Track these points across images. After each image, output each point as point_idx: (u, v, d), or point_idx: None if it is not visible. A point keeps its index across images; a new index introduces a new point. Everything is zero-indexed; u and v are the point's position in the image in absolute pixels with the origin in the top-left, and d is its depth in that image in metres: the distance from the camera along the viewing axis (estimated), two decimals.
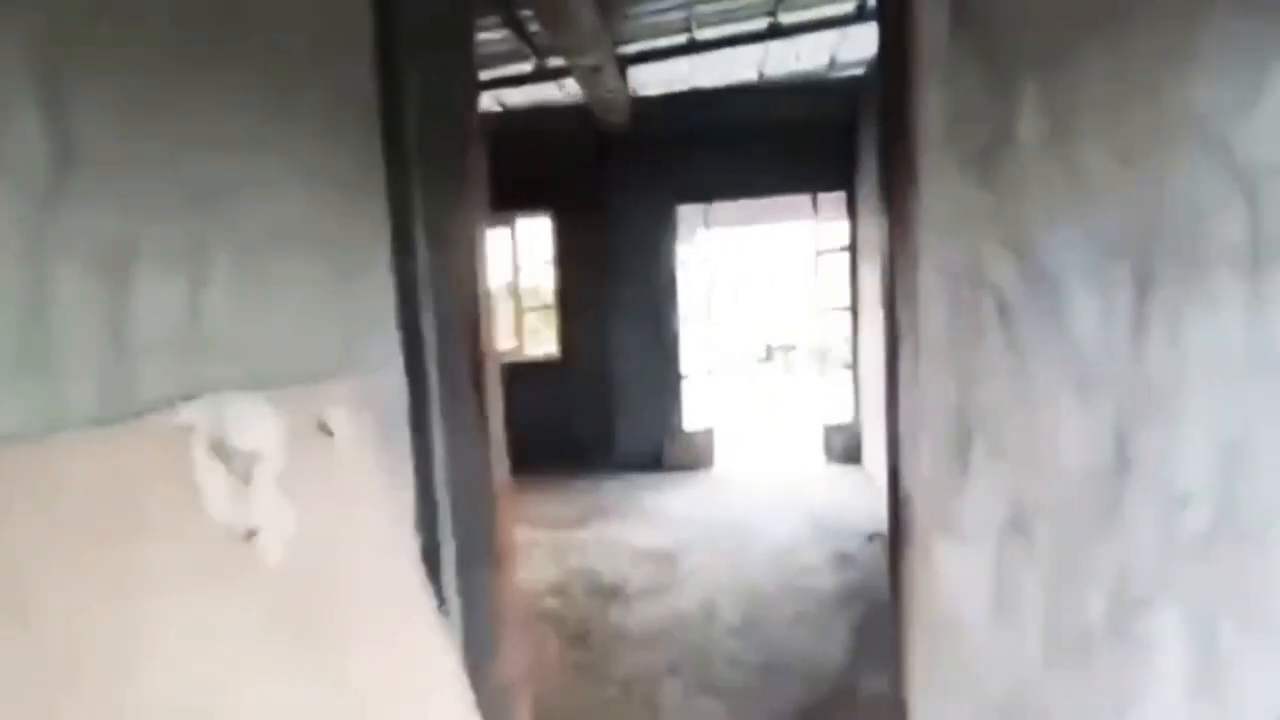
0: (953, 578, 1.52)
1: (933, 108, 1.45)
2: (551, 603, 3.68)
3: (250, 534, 0.83)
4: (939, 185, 1.46)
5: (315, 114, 1.20)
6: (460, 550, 1.46)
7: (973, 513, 1.50)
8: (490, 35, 5.47)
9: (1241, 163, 1.36)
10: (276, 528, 0.86)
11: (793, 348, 15.66)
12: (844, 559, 4.09)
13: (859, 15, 5.30)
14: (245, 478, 0.85)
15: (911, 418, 1.55)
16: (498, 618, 1.69)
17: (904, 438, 1.56)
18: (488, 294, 1.64)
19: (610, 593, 3.75)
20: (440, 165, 1.45)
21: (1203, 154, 1.38)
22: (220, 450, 0.83)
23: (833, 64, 6.52)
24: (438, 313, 1.50)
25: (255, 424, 0.88)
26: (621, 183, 6.36)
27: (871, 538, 4.43)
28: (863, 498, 5.26)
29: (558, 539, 4.63)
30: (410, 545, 1.28)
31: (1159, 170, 1.41)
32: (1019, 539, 1.50)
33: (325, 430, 1.07)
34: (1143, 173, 1.42)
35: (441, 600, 1.41)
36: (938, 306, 1.48)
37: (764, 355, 16.64)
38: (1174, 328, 1.43)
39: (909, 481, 1.55)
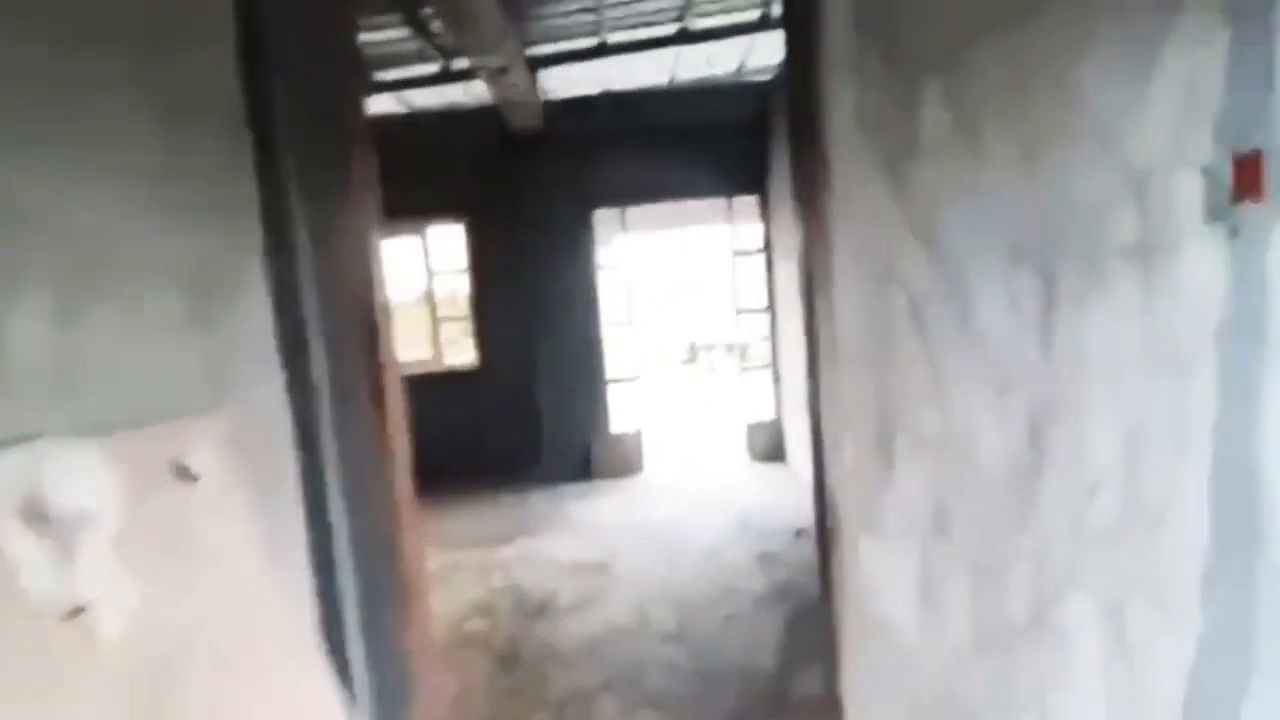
0: (880, 577, 1.51)
1: (841, 108, 1.43)
2: (477, 625, 3.51)
3: (76, 612, 0.69)
4: (851, 184, 1.44)
5: (158, 114, 1.04)
6: (363, 588, 1.32)
7: (897, 512, 1.50)
8: (391, 35, 5.23)
9: (1131, 161, 1.41)
10: (113, 600, 0.72)
11: (714, 347, 15.89)
12: (772, 558, 4.12)
13: (763, 23, 5.41)
14: (69, 543, 0.70)
15: (834, 418, 1.53)
16: (411, 658, 1.55)
17: (827, 439, 1.54)
18: (386, 303, 1.50)
19: (539, 609, 3.62)
20: (322, 169, 1.31)
21: (1097, 152, 1.42)
22: (36, 512, 0.68)
23: (741, 70, 6.63)
24: (327, 325, 1.35)
25: (82, 477, 0.73)
26: (536, 187, 6.22)
27: (798, 534, 4.49)
28: (787, 495, 5.34)
29: (481, 558, 4.45)
30: (298, 593, 1.13)
31: (1058, 168, 1.44)
32: (942, 536, 1.51)
33: (186, 474, 0.92)
34: (1043, 171, 1.45)
35: (342, 650, 1.27)
36: (854, 304, 1.47)
37: (687, 356, 16.81)
38: (1077, 324, 1.46)
39: (834, 483, 1.53)
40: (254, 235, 1.20)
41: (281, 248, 1.23)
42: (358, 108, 1.43)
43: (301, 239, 1.28)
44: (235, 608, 0.92)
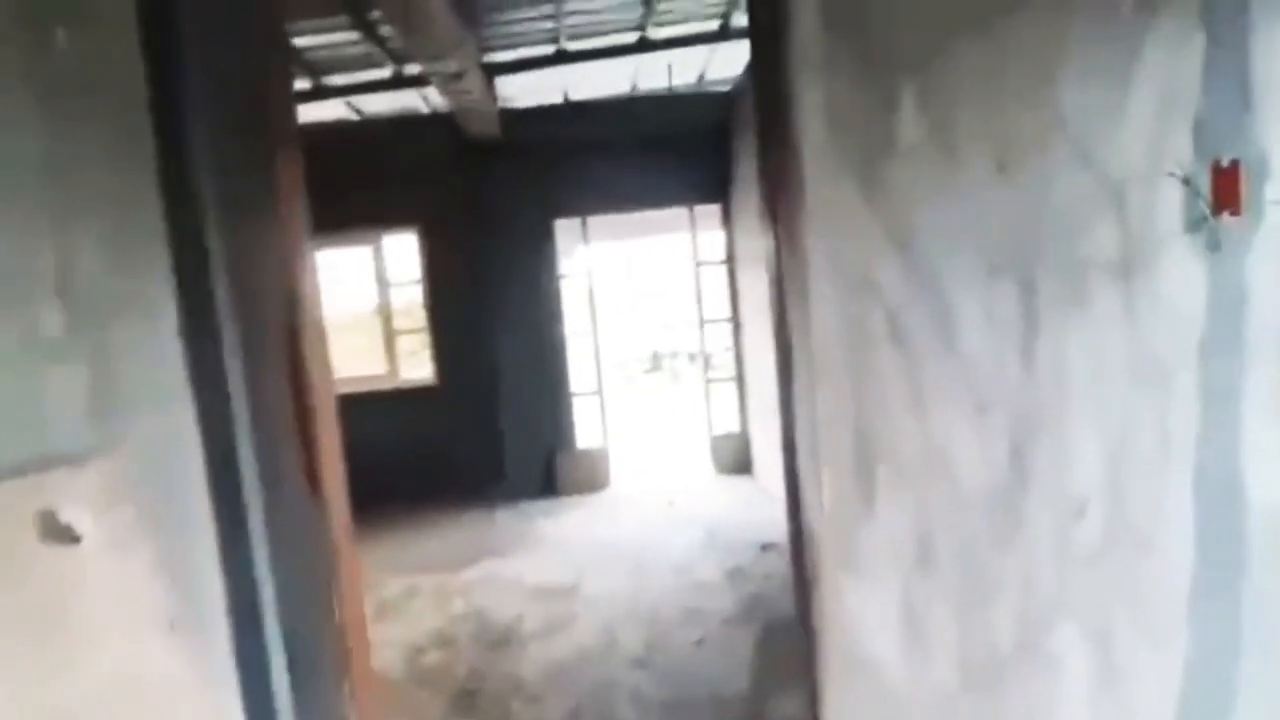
0: (863, 614, 1.42)
1: (812, 109, 1.35)
2: (435, 657, 3.33)
3: None
4: (823, 188, 1.36)
5: (37, 96, 0.89)
6: (294, 654, 1.17)
7: (879, 545, 1.41)
8: (339, 37, 5.04)
9: (1109, 169, 1.36)
10: None
11: (677, 356, 15.85)
12: (740, 573, 4.03)
13: (723, 33, 5.39)
14: None
15: (810, 444, 1.43)
16: None
17: (803, 465, 1.45)
18: (318, 321, 1.36)
19: (502, 638, 3.46)
20: (241, 172, 1.17)
21: (1074, 161, 1.37)
22: None
23: (702, 79, 6.61)
24: (246, 348, 1.21)
25: None
26: (494, 197, 6.07)
27: (764, 548, 4.42)
28: (754, 508, 5.27)
29: (442, 582, 4.25)
30: (214, 667, 0.98)
31: (1035, 177, 1.38)
32: (926, 567, 1.43)
33: (64, 534, 0.77)
34: (1020, 179, 1.39)
35: None
36: (829, 316, 1.39)
37: (650, 365, 16.74)
38: (1058, 337, 1.40)
39: (812, 517, 1.44)
40: (157, 244, 1.05)
41: (191, 259, 1.08)
42: (286, 107, 1.29)
43: (215, 249, 1.13)
44: (129, 692, 0.78)
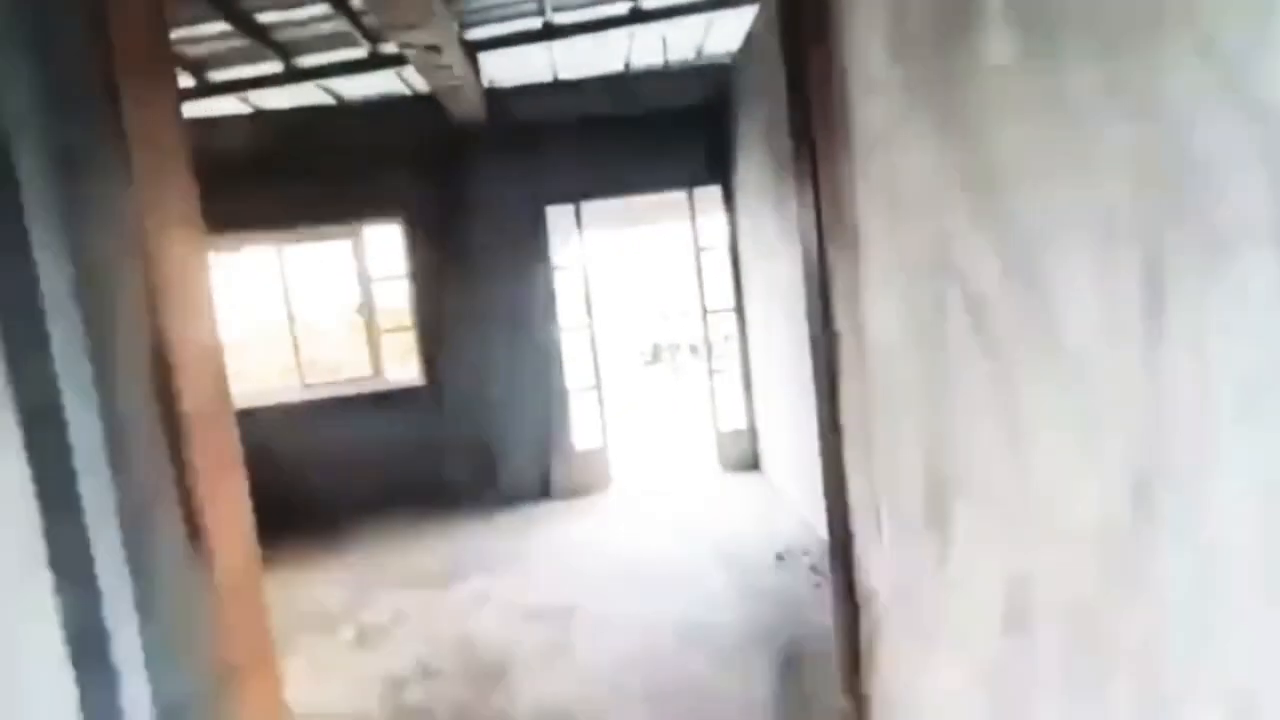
0: (936, 694, 1.07)
1: (867, 22, 0.99)
2: (418, 694, 3.00)
3: None
4: (880, 138, 1.00)
5: None
6: None
7: (958, 604, 1.06)
8: (306, 12, 4.67)
9: (1258, 106, 1.01)
10: None
11: (678, 347, 15.52)
12: (753, 589, 3.69)
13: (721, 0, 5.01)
14: None
15: (864, 474, 1.08)
16: None
17: (855, 505, 1.10)
18: (209, 337, 1.01)
19: (492, 669, 3.12)
20: (85, 170, 0.83)
21: (1221, 91, 1.01)
22: None
23: (700, 53, 6.21)
24: (99, 374, 0.87)
25: None
26: (481, 185, 5.70)
27: (779, 558, 4.09)
28: (764, 509, 4.93)
29: (429, 602, 3.92)
30: None
31: (1168, 112, 1.02)
32: (1020, 632, 1.08)
33: None
34: (1143, 115, 1.03)
35: None
36: (890, 312, 1.03)
37: (651, 357, 16.41)
38: (1196, 331, 1.05)
39: (870, 570, 1.09)
40: None
41: (12, 266, 0.75)
42: (156, 87, 0.94)
43: (50, 263, 0.80)
44: None
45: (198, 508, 0.92)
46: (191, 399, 0.94)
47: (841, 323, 1.08)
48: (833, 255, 1.07)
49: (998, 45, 1.00)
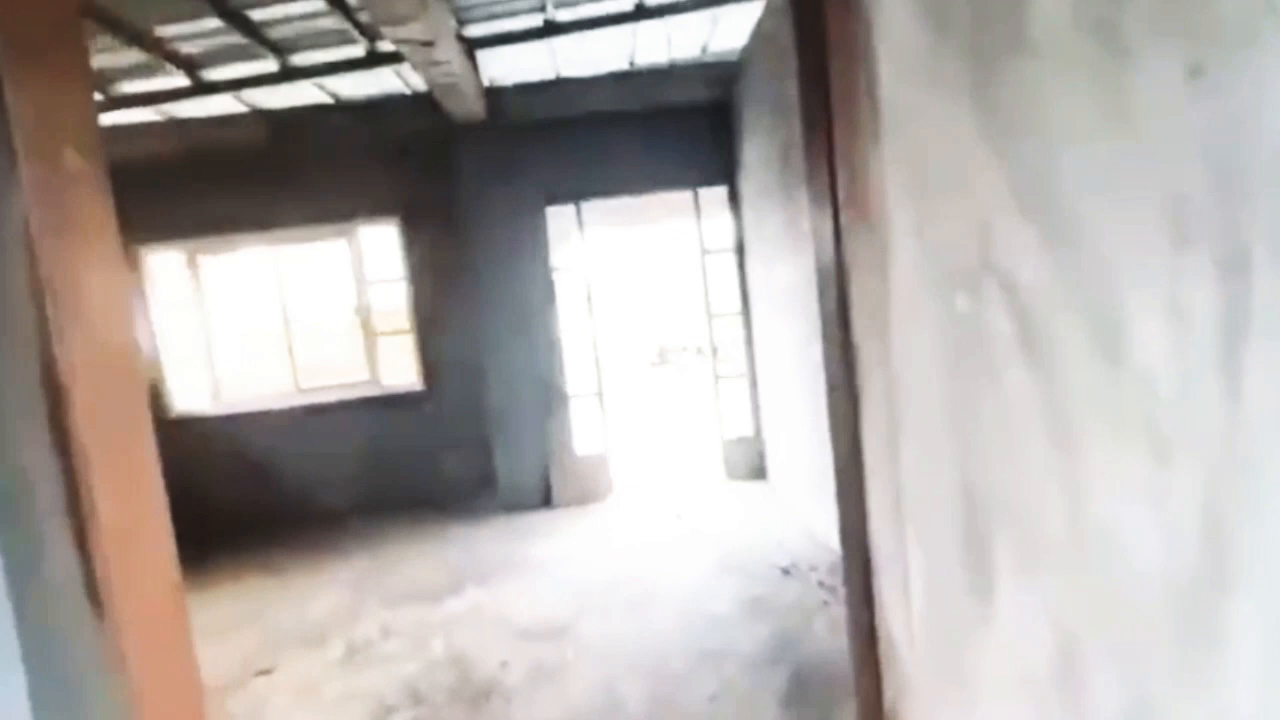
0: None
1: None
2: (406, 719, 2.84)
3: None
4: (912, 121, 0.85)
5: None
6: None
7: (1000, 660, 0.91)
8: (300, 8, 4.55)
9: None
10: None
11: (684, 349, 15.38)
12: (760, 604, 3.53)
13: None
14: None
15: (889, 508, 0.93)
16: None
17: (881, 549, 0.94)
18: (122, 355, 0.87)
19: (484, 691, 2.97)
20: None
21: None
22: None
23: (705, 51, 6.07)
24: None
25: None
26: (481, 185, 5.56)
27: (786, 571, 3.92)
28: (770, 520, 4.77)
29: (421, 617, 3.77)
30: None
31: (1249, 91, 0.87)
32: (1072, 693, 0.92)
33: None
34: (1224, 93, 0.87)
35: None
36: (923, 323, 0.88)
37: (657, 360, 16.28)
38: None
39: (891, 615, 0.93)
40: None
41: None
42: (58, 81, 0.80)
43: None
44: None
45: (95, 564, 0.78)
46: (93, 427, 0.79)
47: (862, 328, 0.93)
48: (852, 252, 0.92)
49: (1049, 5, 0.85)
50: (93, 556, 0.78)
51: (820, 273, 1.05)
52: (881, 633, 0.96)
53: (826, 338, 1.03)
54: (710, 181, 5.71)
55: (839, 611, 3.36)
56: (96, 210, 0.88)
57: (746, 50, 5.29)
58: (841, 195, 0.92)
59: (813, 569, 3.90)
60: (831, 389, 1.04)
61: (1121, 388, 0.90)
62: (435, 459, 5.65)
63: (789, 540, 4.38)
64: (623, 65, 6.13)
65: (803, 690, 2.77)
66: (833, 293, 0.97)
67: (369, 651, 3.46)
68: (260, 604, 4.17)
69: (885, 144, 0.88)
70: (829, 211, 0.95)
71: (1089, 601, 0.92)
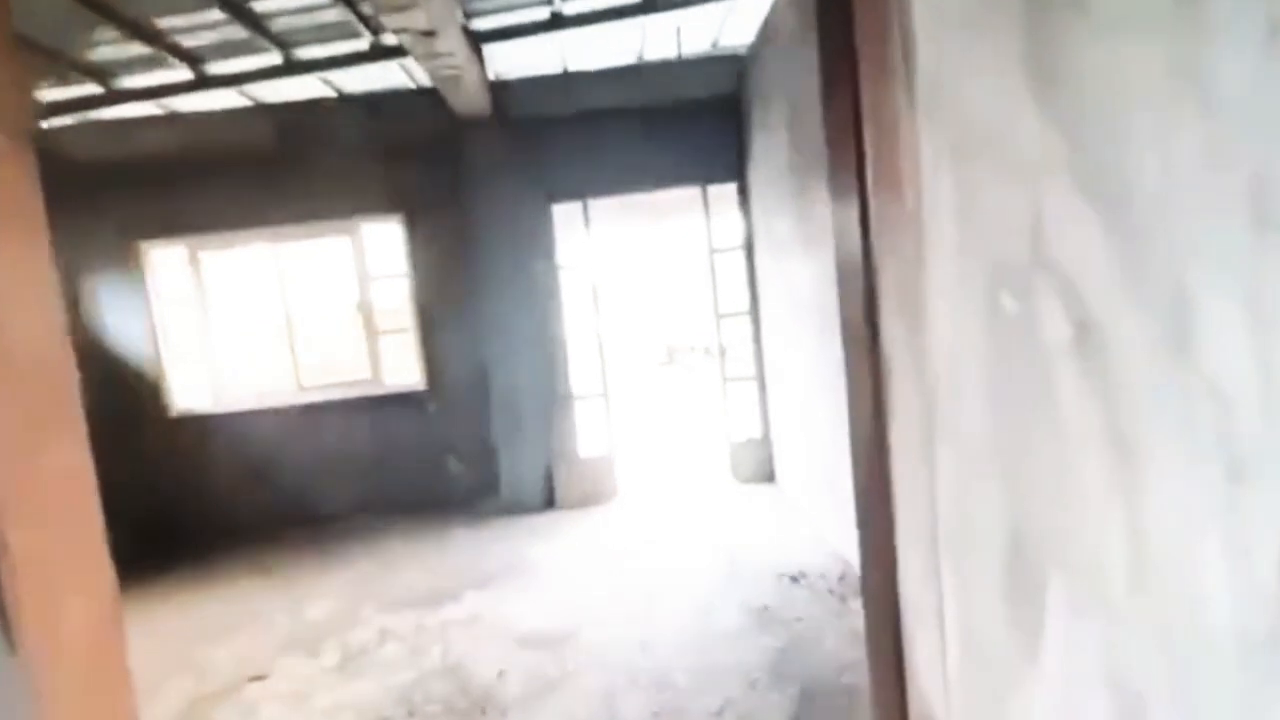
0: None
1: None
2: None
3: None
4: (957, 79, 0.72)
5: None
6: None
7: (1051, 718, 0.78)
8: (303, 0, 4.48)
9: None
10: None
11: (692, 349, 15.26)
12: (768, 615, 3.41)
13: None
14: None
15: (922, 541, 0.81)
16: None
17: (911, 590, 0.82)
18: (47, 353, 0.76)
19: (480, 702, 2.86)
20: None
21: None
22: None
23: (715, 44, 5.95)
24: None
25: None
26: (485, 181, 5.46)
27: (795, 580, 3.80)
28: (778, 525, 4.64)
29: (419, 623, 3.67)
30: None
31: None
32: None
33: None
34: None
35: None
36: (963, 326, 0.75)
37: (664, 359, 16.17)
38: None
39: (921, 664, 0.81)
40: None
41: None
42: None
43: None
44: None
45: (7, 582, 0.67)
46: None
47: (892, 327, 0.80)
48: (881, 238, 0.79)
49: None
50: (1, 588, 0.68)
51: (842, 265, 0.92)
52: (912, 689, 0.84)
53: (848, 340, 0.91)
54: (719, 178, 5.58)
55: (851, 624, 3.23)
56: (19, 192, 0.78)
57: (756, 43, 5.16)
58: (870, 169, 0.80)
59: (822, 577, 3.77)
60: (854, 400, 0.91)
61: (1190, 396, 0.77)
62: (437, 460, 5.56)
63: (798, 546, 4.25)
64: (630, 59, 6.02)
65: (811, 709, 2.64)
66: (857, 287, 0.84)
67: (365, 658, 3.36)
68: (257, 606, 4.09)
69: (921, 102, 0.75)
70: (853, 189, 0.83)
71: (1153, 648, 0.79)
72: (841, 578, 3.72)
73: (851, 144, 0.79)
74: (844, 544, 4.01)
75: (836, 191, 0.89)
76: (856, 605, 3.40)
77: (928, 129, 0.73)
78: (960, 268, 0.74)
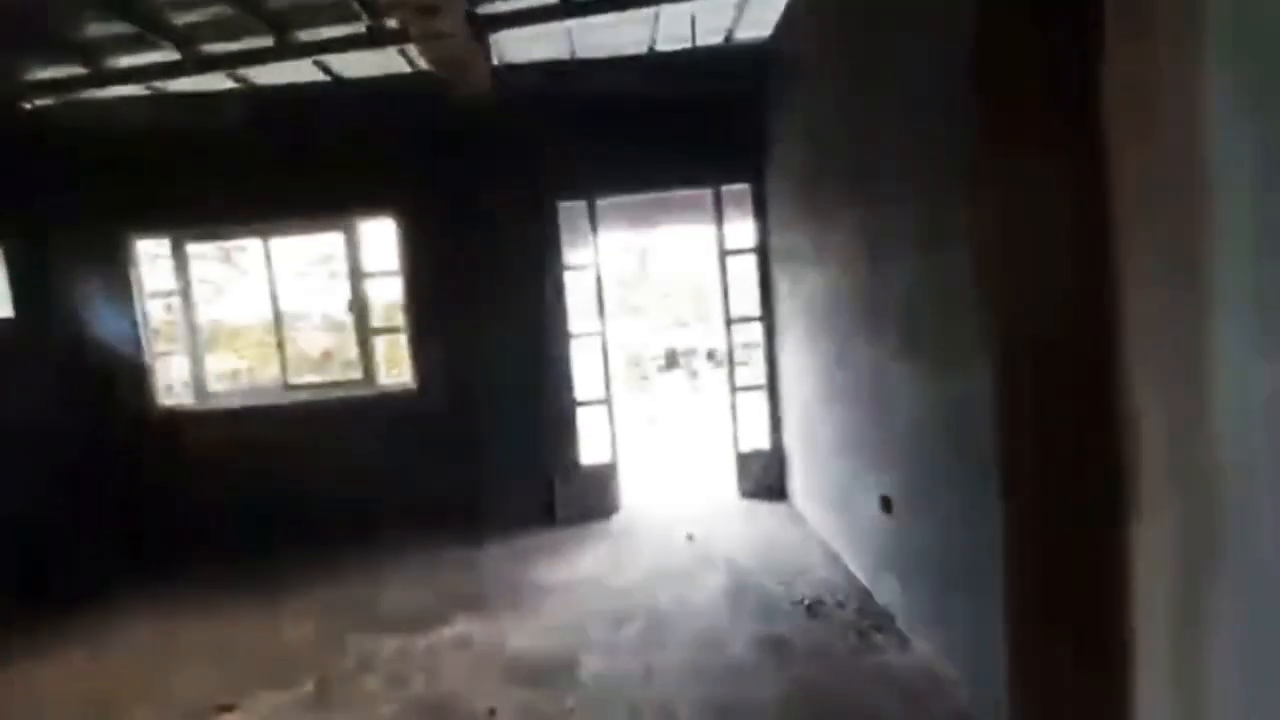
0: None
1: None
2: None
3: None
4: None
5: None
6: None
7: None
8: None
9: None
10: None
11: (695, 353, 14.99)
12: (782, 646, 3.14)
13: None
14: None
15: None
16: None
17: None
18: None
19: None
20: None
21: None
22: None
23: (731, 36, 5.68)
24: None
25: None
26: (486, 175, 5.20)
27: (810, 608, 3.53)
28: (791, 545, 4.38)
29: (404, 648, 3.40)
30: None
31: None
32: None
33: None
34: None
35: None
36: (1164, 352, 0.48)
37: (665, 363, 15.90)
38: None
39: None
40: None
41: None
42: None
43: None
44: None
45: None
46: None
47: (1144, 390, 0.53)
48: (1136, 259, 0.52)
49: None
50: None
51: (979, 269, 0.66)
52: None
53: (1008, 356, 0.64)
54: (735, 177, 5.32)
55: (873, 663, 2.96)
56: None
57: (777, 34, 4.89)
58: (1111, 126, 0.52)
59: (840, 606, 3.51)
60: (1013, 466, 0.65)
61: None
62: (429, 467, 5.28)
63: (813, 569, 3.99)
64: (641, 49, 5.76)
65: None
66: (1040, 294, 0.56)
67: (343, 688, 3.09)
68: (232, 624, 3.82)
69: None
70: (1082, 135, 0.55)
71: None
72: (860, 609, 3.45)
73: (1079, 92, 0.53)
74: (860, 569, 3.75)
75: (1061, 148, 0.62)
76: (877, 641, 3.14)
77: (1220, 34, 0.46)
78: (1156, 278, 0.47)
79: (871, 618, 3.35)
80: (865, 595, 3.57)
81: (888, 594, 3.38)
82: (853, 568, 3.87)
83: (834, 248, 3.80)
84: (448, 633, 3.53)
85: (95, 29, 4.67)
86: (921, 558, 2.97)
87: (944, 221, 2.50)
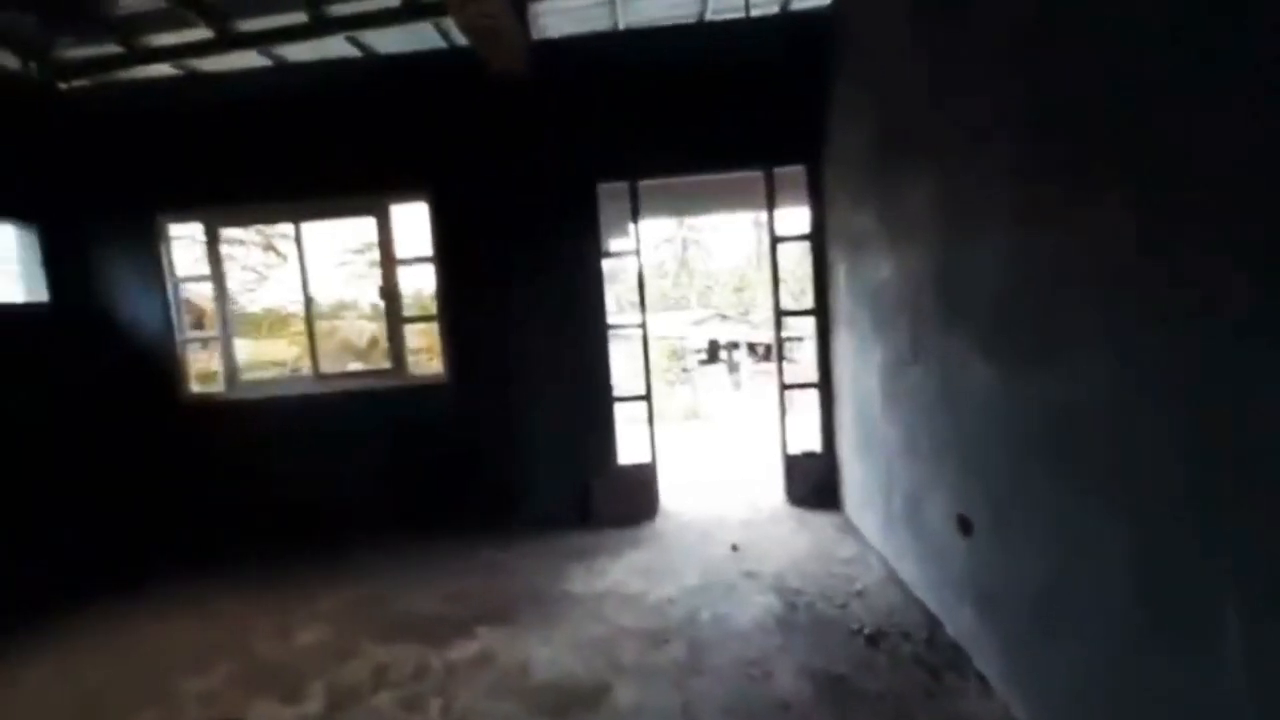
0: None
1: None
2: None
3: None
4: None
5: None
6: None
7: None
8: None
9: None
10: None
11: (737, 345, 14.53)
12: (838, 690, 2.75)
13: None
14: None
15: None
16: None
17: None
18: None
19: None
20: None
21: None
22: None
23: (785, 6, 5.25)
24: None
25: None
26: (522, 157, 4.89)
27: (871, 637, 3.12)
28: (847, 562, 3.96)
29: (420, 661, 3.14)
30: None
31: None
32: None
33: None
34: None
35: None
36: None
37: (707, 356, 15.50)
38: None
39: None
40: None
41: None
42: None
43: None
44: None
45: None
46: None
47: None
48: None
49: None
50: None
51: None
52: None
53: None
54: (788, 159, 4.88)
55: (950, 709, 2.55)
56: None
57: (839, 1, 4.42)
58: None
59: (906, 638, 3.09)
60: None
61: None
62: (460, 463, 5.03)
63: (871, 591, 3.57)
64: (689, 17, 5.38)
65: None
66: None
67: (353, 705, 2.84)
68: (244, 627, 3.61)
69: None
70: None
71: None
72: (929, 641, 3.03)
73: None
74: (928, 595, 3.32)
75: None
76: (952, 681, 2.72)
77: None
78: None
79: (943, 653, 2.93)
80: (934, 625, 3.15)
81: (962, 627, 2.95)
82: (918, 592, 3.44)
83: (905, 229, 3.36)
84: (469, 647, 3.24)
85: (130, 2, 4.55)
86: (1010, 589, 2.54)
87: (1048, 196, 2.07)
